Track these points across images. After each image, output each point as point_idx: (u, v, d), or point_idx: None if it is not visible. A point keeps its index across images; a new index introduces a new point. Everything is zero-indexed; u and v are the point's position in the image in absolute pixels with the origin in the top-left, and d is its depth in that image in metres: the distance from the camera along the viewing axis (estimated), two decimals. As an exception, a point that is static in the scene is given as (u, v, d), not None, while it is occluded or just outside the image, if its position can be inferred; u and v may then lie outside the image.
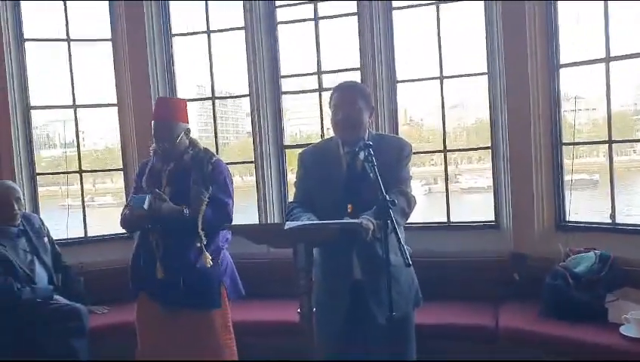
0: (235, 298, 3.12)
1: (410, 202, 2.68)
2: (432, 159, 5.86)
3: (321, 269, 2.72)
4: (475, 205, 4.07)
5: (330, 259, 2.71)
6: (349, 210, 2.52)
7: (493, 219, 3.88)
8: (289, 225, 2.46)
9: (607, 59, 3.38)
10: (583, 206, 4.28)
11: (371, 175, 2.38)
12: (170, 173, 3.06)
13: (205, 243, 2.97)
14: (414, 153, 4.73)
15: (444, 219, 4.01)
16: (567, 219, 3.66)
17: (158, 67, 4.28)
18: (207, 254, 2.95)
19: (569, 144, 3.62)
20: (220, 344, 3.03)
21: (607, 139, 3.48)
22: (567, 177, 3.70)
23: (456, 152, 5.91)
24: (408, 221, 3.89)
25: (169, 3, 4.31)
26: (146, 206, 2.87)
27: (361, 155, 2.50)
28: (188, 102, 4.36)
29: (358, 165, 2.63)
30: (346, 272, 2.67)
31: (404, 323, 2.73)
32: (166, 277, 2.96)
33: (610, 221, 3.50)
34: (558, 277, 3.26)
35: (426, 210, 4.53)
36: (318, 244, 2.64)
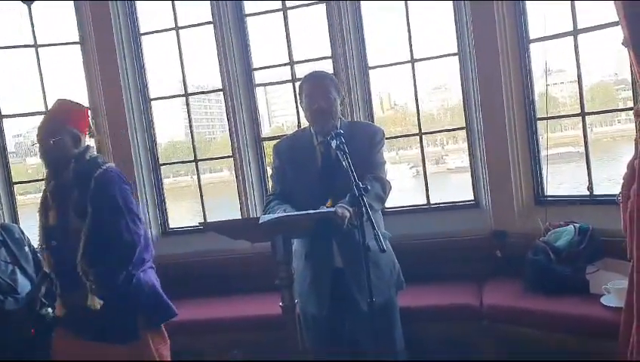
0: (159, 324, 2.78)
1: (385, 187, 2.70)
2: (419, 142, 5.90)
3: (302, 260, 2.74)
4: (464, 184, 4.07)
5: (310, 249, 2.72)
6: (327, 205, 2.52)
7: (473, 199, 3.89)
8: (264, 218, 2.47)
9: (575, 32, 3.38)
10: (569, 178, 4.30)
11: (344, 163, 2.39)
12: (52, 193, 2.63)
13: (97, 280, 2.51)
14: (397, 137, 4.78)
15: (425, 201, 4.02)
16: (545, 194, 3.67)
17: (129, 67, 4.23)
18: (95, 297, 2.52)
19: (543, 119, 3.62)
20: None
21: (585, 111, 3.47)
22: (544, 152, 3.71)
23: (438, 133, 5.96)
24: (391, 205, 3.98)
25: (135, 2, 4.26)
26: None
27: (333, 144, 2.50)
28: (162, 100, 4.41)
29: (333, 154, 2.64)
30: (327, 261, 2.69)
31: (388, 307, 2.76)
32: (68, 313, 2.66)
33: (588, 193, 3.51)
34: (539, 253, 3.28)
35: (415, 192, 4.52)
36: (295, 236, 2.66)
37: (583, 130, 3.45)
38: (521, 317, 3.10)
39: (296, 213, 2.52)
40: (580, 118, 3.45)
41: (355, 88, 3.93)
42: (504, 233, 3.65)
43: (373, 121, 3.98)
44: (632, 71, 2.60)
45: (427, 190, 3.99)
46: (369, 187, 2.40)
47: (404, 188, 5.89)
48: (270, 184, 3.37)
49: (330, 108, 2.66)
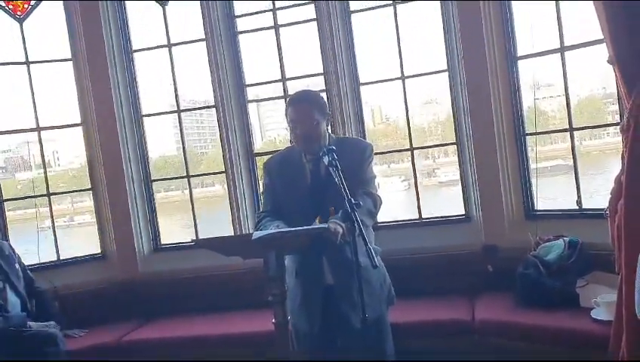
0: None
1: (376, 202, 2.72)
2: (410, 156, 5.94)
3: (292, 277, 2.74)
4: (455, 197, 4.10)
5: (300, 266, 2.73)
6: (317, 222, 2.53)
7: (464, 213, 3.92)
8: (257, 234, 2.47)
9: (562, 49, 3.44)
10: (560, 191, 4.34)
11: (336, 179, 2.41)
12: None
13: None
14: (389, 152, 4.82)
15: (417, 216, 4.04)
16: (535, 208, 3.71)
17: (121, 83, 4.25)
18: None
19: (532, 134, 3.67)
20: None
21: (574, 126, 3.52)
22: (533, 166, 3.75)
23: (428, 148, 5.98)
24: (383, 219, 4.01)
25: (128, 20, 4.29)
26: None
27: (325, 160, 2.52)
28: (154, 117, 4.43)
29: (322, 171, 2.66)
30: (318, 278, 2.70)
31: (379, 323, 2.76)
32: None
33: (577, 207, 3.55)
34: (529, 267, 3.31)
35: (407, 206, 4.54)
36: (288, 252, 2.65)
37: (572, 145, 3.50)
38: (513, 331, 3.12)
39: (289, 229, 2.53)
40: (568, 133, 3.50)
41: (346, 103, 3.97)
42: (495, 247, 3.67)
43: (364, 135, 4.03)
44: (617, 86, 2.65)
45: (419, 204, 4.02)
46: (361, 203, 2.42)
47: (396, 201, 5.90)
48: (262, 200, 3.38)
49: (312, 132, 2.67)
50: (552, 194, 3.88)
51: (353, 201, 2.33)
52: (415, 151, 4.06)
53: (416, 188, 4.03)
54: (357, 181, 2.64)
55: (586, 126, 3.60)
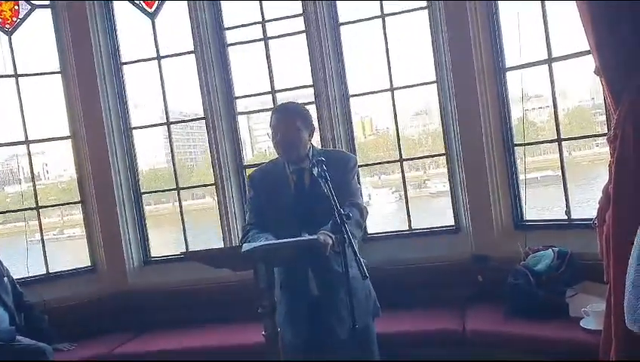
0: None
1: (363, 213, 2.74)
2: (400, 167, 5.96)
3: (281, 288, 2.74)
4: (445, 208, 4.12)
5: (286, 278, 2.73)
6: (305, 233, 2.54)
7: (454, 223, 3.93)
8: (247, 246, 2.47)
9: (550, 60, 3.47)
10: (549, 202, 4.36)
11: (325, 190, 2.42)
12: None
13: None
14: (379, 163, 4.84)
15: (406, 226, 4.05)
16: (525, 218, 3.72)
17: (110, 96, 4.24)
18: None
19: (521, 145, 3.70)
20: None
21: (563, 136, 3.57)
22: (523, 176, 3.78)
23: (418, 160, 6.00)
24: (373, 230, 4.02)
25: (117, 32, 4.29)
26: None
27: (315, 171, 2.53)
28: (143, 129, 4.42)
29: (306, 182, 2.68)
30: (303, 290, 2.70)
31: (366, 334, 2.76)
32: None
33: (566, 217, 3.57)
34: (519, 277, 3.32)
35: (397, 217, 4.55)
36: (278, 264, 2.65)
37: (560, 156, 3.53)
38: (503, 341, 3.13)
39: (279, 241, 2.53)
40: (557, 143, 3.53)
41: (336, 115, 3.98)
42: (485, 257, 3.69)
43: (354, 147, 4.04)
44: (604, 97, 2.69)
45: (409, 215, 4.03)
46: (350, 214, 2.42)
47: (387, 213, 5.91)
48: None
49: (293, 138, 2.68)
50: (541, 204, 3.90)
51: (343, 213, 2.34)
52: (405, 163, 4.07)
53: (406, 200, 4.04)
54: (343, 192, 2.66)
55: (574, 136, 3.63)
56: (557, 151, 3.55)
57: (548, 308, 3.18)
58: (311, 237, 2.45)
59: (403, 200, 4.12)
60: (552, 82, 3.49)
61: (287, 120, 2.71)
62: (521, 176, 3.77)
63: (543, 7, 3.43)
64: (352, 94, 4.06)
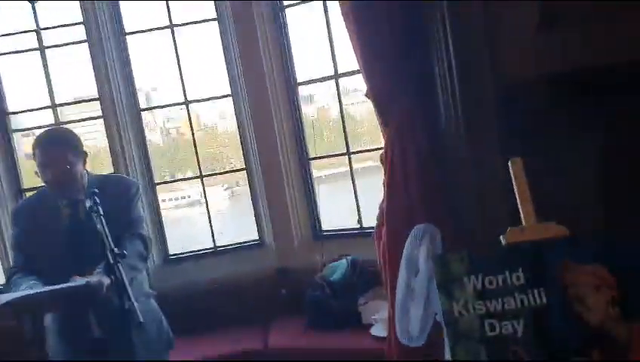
0: None
1: (147, 243, 2.56)
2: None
3: (56, 336, 2.47)
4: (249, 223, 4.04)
5: (63, 323, 2.46)
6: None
7: (257, 238, 3.91)
8: (6, 298, 2.18)
9: (336, 75, 3.58)
10: (343, 211, 4.44)
11: (98, 226, 2.20)
12: None
13: None
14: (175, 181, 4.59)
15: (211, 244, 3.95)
16: (322, 229, 3.81)
17: None
18: None
19: (314, 158, 3.78)
20: None
21: (350, 150, 3.68)
22: (319, 188, 3.86)
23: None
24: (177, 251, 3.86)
25: None
26: None
27: (87, 205, 2.29)
28: None
29: (82, 215, 2.43)
30: (83, 333, 2.45)
31: (159, 370, 2.61)
32: None
33: (358, 226, 3.71)
34: (316, 288, 3.39)
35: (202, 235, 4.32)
36: (45, 313, 2.38)
37: (350, 168, 3.66)
38: (302, 356, 3.15)
39: (43, 288, 2.25)
40: (347, 157, 3.66)
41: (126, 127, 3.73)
42: (287, 270, 3.70)
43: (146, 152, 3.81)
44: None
45: (212, 232, 3.92)
46: (125, 252, 2.24)
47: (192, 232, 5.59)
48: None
49: (66, 177, 2.42)
50: (337, 214, 4.02)
51: (117, 251, 2.17)
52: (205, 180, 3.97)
53: (208, 213, 3.92)
54: (124, 223, 2.47)
55: (362, 150, 3.76)
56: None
57: (343, 318, 3.28)
58: (80, 282, 2.21)
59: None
60: (339, 96, 3.60)
61: (57, 155, 2.39)
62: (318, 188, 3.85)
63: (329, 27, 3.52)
64: (143, 108, 3.84)
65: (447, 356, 1.38)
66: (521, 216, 1.39)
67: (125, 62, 3.76)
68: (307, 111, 3.89)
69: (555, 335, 1.29)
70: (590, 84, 1.87)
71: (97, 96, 3.74)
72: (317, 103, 4.27)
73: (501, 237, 1.41)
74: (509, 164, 1.46)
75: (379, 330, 3.03)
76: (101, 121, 3.77)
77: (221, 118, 4.14)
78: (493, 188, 2.04)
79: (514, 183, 1.41)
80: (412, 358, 2.41)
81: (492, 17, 2.06)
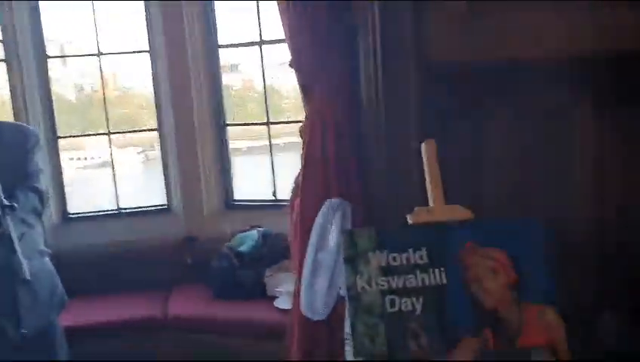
0: None
1: (43, 198, 2.41)
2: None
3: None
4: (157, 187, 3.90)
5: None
6: None
7: (166, 203, 3.79)
8: None
9: (261, 42, 3.50)
10: (259, 182, 4.40)
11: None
12: None
13: None
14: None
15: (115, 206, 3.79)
16: (234, 199, 3.75)
17: None
18: None
19: (232, 125, 3.70)
20: None
21: (269, 120, 3.62)
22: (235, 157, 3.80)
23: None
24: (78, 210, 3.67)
25: None
26: None
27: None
28: None
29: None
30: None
31: (49, 332, 2.47)
32: None
33: (273, 198, 3.69)
34: (222, 258, 3.34)
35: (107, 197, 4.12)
36: None
37: (269, 140, 3.61)
38: (205, 325, 3.12)
39: None
40: (266, 126, 3.60)
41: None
42: (194, 238, 3.62)
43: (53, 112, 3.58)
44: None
45: (116, 193, 3.76)
46: (16, 204, 2.10)
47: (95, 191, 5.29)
48: None
49: None
50: (252, 185, 3.97)
51: (6, 203, 2.03)
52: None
53: (114, 178, 3.76)
54: (19, 175, 2.30)
55: (282, 121, 3.72)
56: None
57: (250, 289, 3.26)
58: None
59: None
60: (262, 65, 3.53)
61: None
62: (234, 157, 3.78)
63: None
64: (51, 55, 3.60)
65: (347, 329, 1.39)
66: (429, 196, 1.42)
67: (34, 7, 3.48)
68: (231, 82, 3.78)
69: (450, 315, 1.33)
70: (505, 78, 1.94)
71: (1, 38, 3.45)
72: (242, 74, 4.16)
73: (408, 216, 1.43)
74: (422, 145, 1.48)
75: (283, 302, 3.03)
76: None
77: (140, 80, 3.94)
78: (407, 168, 2.06)
79: (425, 164, 1.43)
80: (314, 331, 2.44)
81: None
